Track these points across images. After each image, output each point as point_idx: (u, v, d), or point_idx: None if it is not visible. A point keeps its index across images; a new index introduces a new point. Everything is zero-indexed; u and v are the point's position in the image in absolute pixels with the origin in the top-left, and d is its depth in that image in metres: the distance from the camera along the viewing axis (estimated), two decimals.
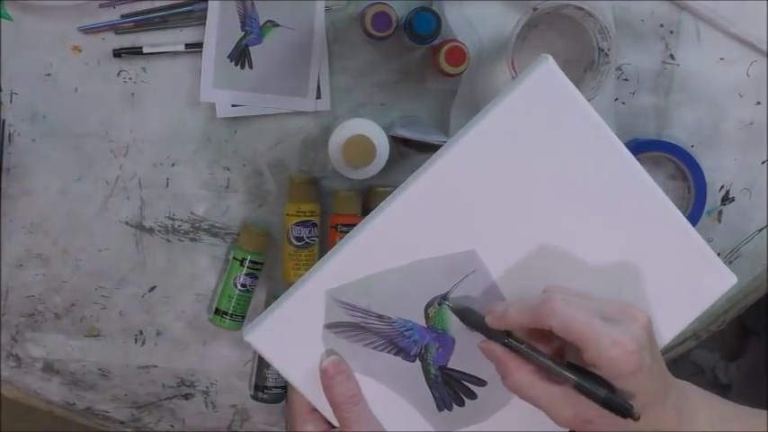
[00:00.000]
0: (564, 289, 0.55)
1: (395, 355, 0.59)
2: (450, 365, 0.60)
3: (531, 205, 0.58)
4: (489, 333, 0.55)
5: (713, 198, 0.83)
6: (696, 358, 1.24)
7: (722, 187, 0.83)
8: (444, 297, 0.58)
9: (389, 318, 0.58)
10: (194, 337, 0.86)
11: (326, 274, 0.58)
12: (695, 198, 0.80)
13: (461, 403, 0.60)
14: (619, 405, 0.50)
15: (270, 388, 0.82)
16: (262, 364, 0.82)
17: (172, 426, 0.89)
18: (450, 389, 0.60)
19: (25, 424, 1.13)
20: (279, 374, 0.81)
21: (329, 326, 0.58)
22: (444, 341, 0.59)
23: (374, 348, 0.59)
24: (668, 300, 0.59)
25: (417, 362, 0.59)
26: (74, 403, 0.88)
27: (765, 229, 0.84)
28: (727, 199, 0.83)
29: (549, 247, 0.58)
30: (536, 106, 0.56)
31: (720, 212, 0.83)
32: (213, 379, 0.87)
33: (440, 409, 0.60)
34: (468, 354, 0.59)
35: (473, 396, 0.60)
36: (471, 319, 0.57)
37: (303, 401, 0.60)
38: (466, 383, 0.60)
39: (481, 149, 0.57)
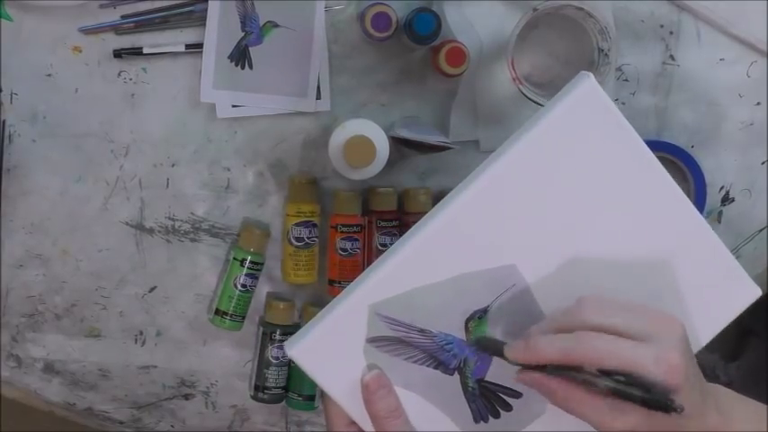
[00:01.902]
0: (592, 304, 0.54)
1: (434, 368, 0.60)
2: (487, 378, 0.60)
3: (571, 220, 0.58)
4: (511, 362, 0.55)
5: (713, 199, 0.83)
6: (697, 358, 1.23)
7: (722, 188, 0.83)
8: (485, 311, 0.59)
9: (431, 332, 0.59)
10: (194, 338, 0.86)
11: (369, 289, 0.58)
12: (695, 199, 0.80)
13: (497, 415, 0.61)
14: (659, 401, 0.50)
15: (270, 388, 0.82)
16: (262, 364, 0.82)
17: (172, 426, 0.89)
18: (487, 401, 0.61)
19: (25, 424, 1.13)
20: (279, 375, 0.82)
21: (371, 340, 0.58)
22: (483, 354, 0.60)
23: (414, 362, 0.59)
24: (695, 312, 0.59)
25: (456, 375, 0.60)
26: (74, 403, 0.88)
27: (765, 230, 0.84)
28: (727, 199, 0.83)
29: (586, 261, 0.59)
30: (577, 123, 0.57)
31: (720, 213, 0.84)
32: (213, 379, 0.87)
33: (476, 421, 0.61)
34: (505, 367, 0.59)
35: (509, 408, 0.61)
36: (487, 345, 0.58)
37: (341, 414, 0.59)
38: (502, 396, 0.61)
39: (522, 166, 0.58)
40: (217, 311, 0.81)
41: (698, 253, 0.60)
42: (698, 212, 0.60)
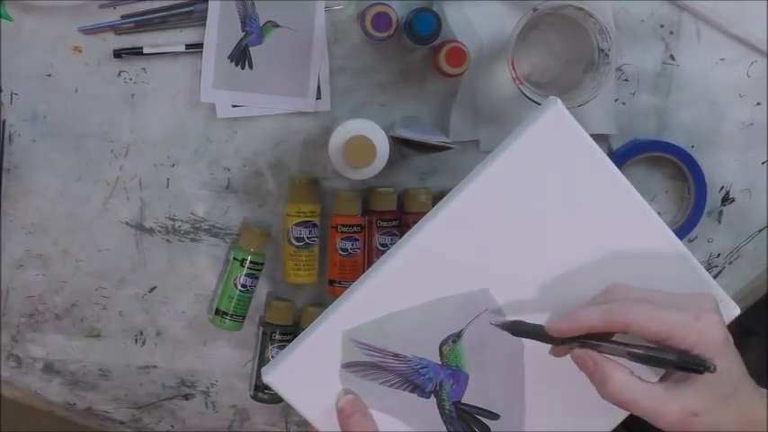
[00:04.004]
0: (627, 287, 0.55)
1: (410, 392, 0.60)
2: (464, 401, 0.61)
3: (542, 243, 0.59)
4: (551, 341, 0.55)
5: (713, 199, 0.83)
6: None
7: (722, 188, 0.83)
8: (458, 335, 0.60)
9: (405, 356, 0.60)
10: (194, 338, 0.86)
11: (342, 315, 0.59)
12: (695, 199, 0.80)
13: None
14: (693, 361, 0.50)
15: (270, 388, 0.82)
16: (262, 364, 0.82)
17: (172, 426, 0.89)
18: (465, 423, 0.61)
19: (25, 424, 1.14)
20: None
21: (346, 365, 0.60)
22: (458, 377, 0.60)
23: (390, 386, 0.60)
24: None
25: (432, 398, 0.61)
26: (74, 404, 0.88)
27: (765, 230, 0.84)
28: (727, 199, 0.83)
29: (559, 282, 0.59)
30: (545, 147, 0.59)
31: (720, 213, 0.84)
32: (213, 379, 0.87)
33: None
34: (481, 389, 0.61)
35: (487, 430, 0.61)
36: (524, 329, 0.57)
37: None
38: (480, 417, 0.61)
39: (493, 190, 0.59)
40: (217, 311, 0.81)
41: (674, 272, 0.60)
42: (671, 231, 0.60)
